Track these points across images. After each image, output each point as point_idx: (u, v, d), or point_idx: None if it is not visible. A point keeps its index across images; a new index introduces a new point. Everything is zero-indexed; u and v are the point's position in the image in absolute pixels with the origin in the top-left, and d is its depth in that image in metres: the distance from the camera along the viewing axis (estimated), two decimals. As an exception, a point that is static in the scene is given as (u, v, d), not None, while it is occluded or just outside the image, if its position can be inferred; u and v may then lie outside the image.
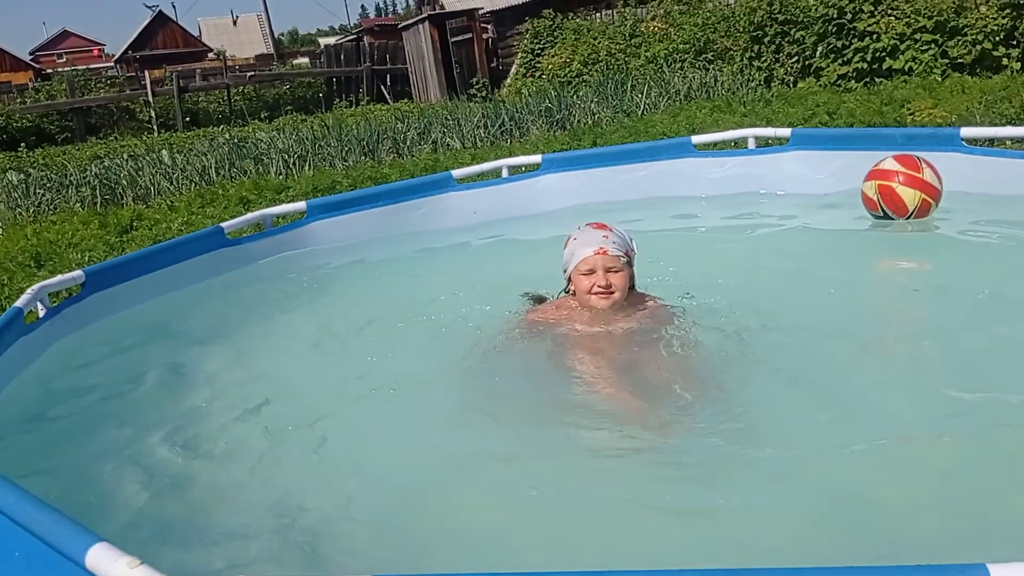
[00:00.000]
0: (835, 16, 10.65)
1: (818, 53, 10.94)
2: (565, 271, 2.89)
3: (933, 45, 9.69)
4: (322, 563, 1.84)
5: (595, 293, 2.75)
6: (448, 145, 10.35)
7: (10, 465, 2.30)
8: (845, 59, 10.54)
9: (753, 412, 2.41)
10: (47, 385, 2.82)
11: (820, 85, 10.59)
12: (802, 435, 2.28)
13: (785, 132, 4.45)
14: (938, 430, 2.25)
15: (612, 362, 2.70)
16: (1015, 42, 9.29)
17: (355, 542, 1.96)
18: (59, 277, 3.15)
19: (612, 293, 2.75)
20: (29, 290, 2.94)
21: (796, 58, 11.43)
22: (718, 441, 2.23)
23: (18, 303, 2.84)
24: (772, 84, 11.43)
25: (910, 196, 3.69)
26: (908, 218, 3.74)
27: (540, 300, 3.12)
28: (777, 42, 11.73)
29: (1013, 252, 3.50)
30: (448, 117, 11.45)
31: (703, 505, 1.98)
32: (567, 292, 2.94)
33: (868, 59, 10.16)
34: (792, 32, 11.39)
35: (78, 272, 3.20)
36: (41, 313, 2.99)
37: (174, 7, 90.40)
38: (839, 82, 10.47)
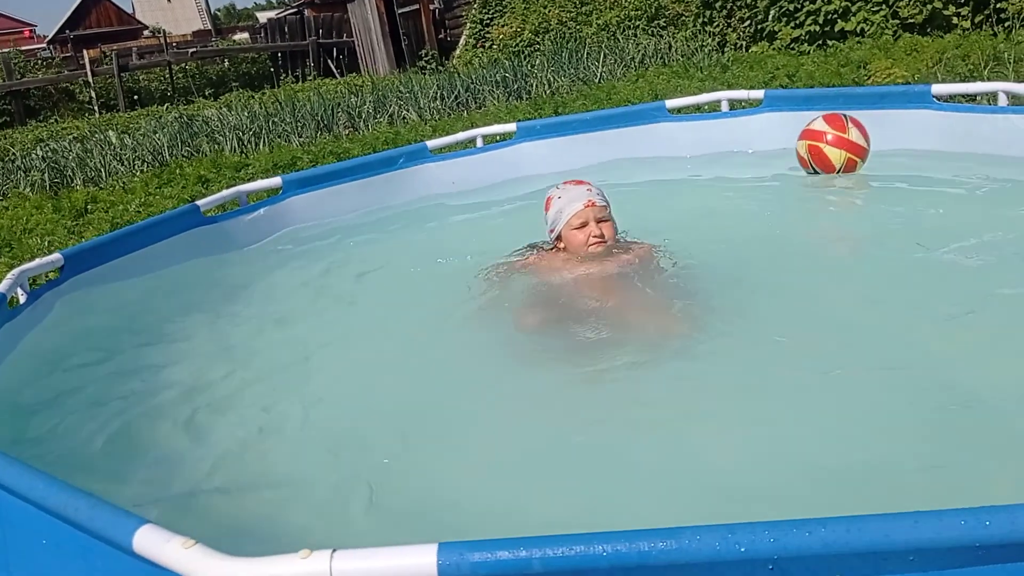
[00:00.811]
0: (786, -21, 10.72)
1: (771, 17, 11.00)
2: (552, 230, 3.02)
3: (884, 6, 9.78)
4: (355, 533, 1.82)
5: (592, 243, 2.92)
6: (405, 118, 10.23)
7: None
8: (797, 22, 10.60)
9: (743, 333, 2.58)
10: (35, 370, 2.73)
11: (774, 49, 10.65)
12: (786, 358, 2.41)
13: (758, 94, 4.47)
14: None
15: (613, 296, 2.88)
16: (964, 0, 9.44)
17: (380, 507, 1.94)
18: (37, 261, 3.04)
19: (605, 240, 2.93)
20: (9, 275, 2.84)
21: (748, 22, 11.48)
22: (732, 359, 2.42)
23: (0, 288, 2.74)
24: (726, 49, 11.48)
25: (836, 155, 3.86)
26: (837, 174, 3.92)
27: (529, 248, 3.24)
28: (729, 7, 11.77)
29: (986, 201, 3.58)
30: (402, 89, 11.31)
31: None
32: (552, 249, 3.08)
33: (820, 22, 10.23)
34: (744, -5, 11.44)
35: (56, 255, 3.10)
36: (22, 299, 2.89)
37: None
38: (792, 45, 10.54)
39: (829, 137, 3.87)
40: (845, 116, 3.90)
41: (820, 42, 10.24)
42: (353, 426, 2.35)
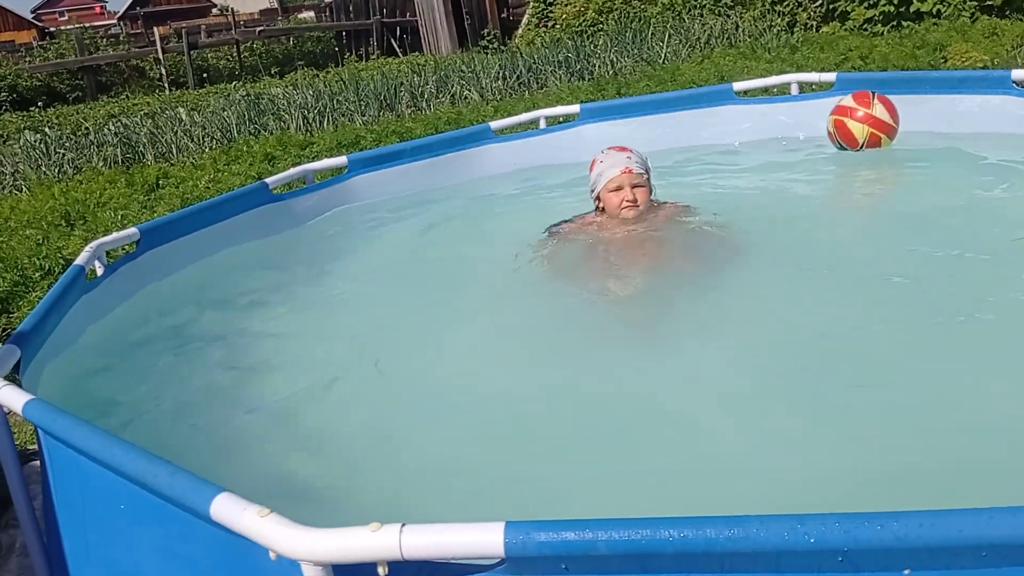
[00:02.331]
0: (861, -42, 10.42)
1: (843, -4, 10.74)
2: (593, 191, 3.29)
3: (962, -14, 9.49)
4: (425, 505, 1.86)
5: (624, 207, 3.16)
6: (466, 98, 10.24)
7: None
8: (871, 2, 10.34)
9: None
10: (113, 341, 2.83)
11: (846, 30, 10.40)
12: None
13: (830, 77, 4.37)
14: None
15: (645, 254, 3.18)
16: (1046, -18, 9.09)
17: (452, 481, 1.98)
18: (114, 235, 3.13)
19: (637, 205, 3.17)
20: (87, 247, 2.93)
21: (820, 2, 11.22)
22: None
23: (78, 260, 2.83)
24: (795, 29, 11.24)
25: (859, 130, 3.98)
26: (859, 149, 4.01)
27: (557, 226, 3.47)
28: (800, -14, 11.52)
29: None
30: (465, 69, 11.31)
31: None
32: (595, 211, 3.34)
33: (895, 2, 9.96)
34: (815, -25, 11.17)
35: (132, 229, 3.19)
36: (100, 271, 2.99)
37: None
38: (865, 26, 10.28)
39: (855, 113, 3.99)
40: (873, 93, 4.02)
41: (894, 23, 9.96)
42: (419, 401, 2.39)
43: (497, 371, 2.53)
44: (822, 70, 6.73)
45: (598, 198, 3.27)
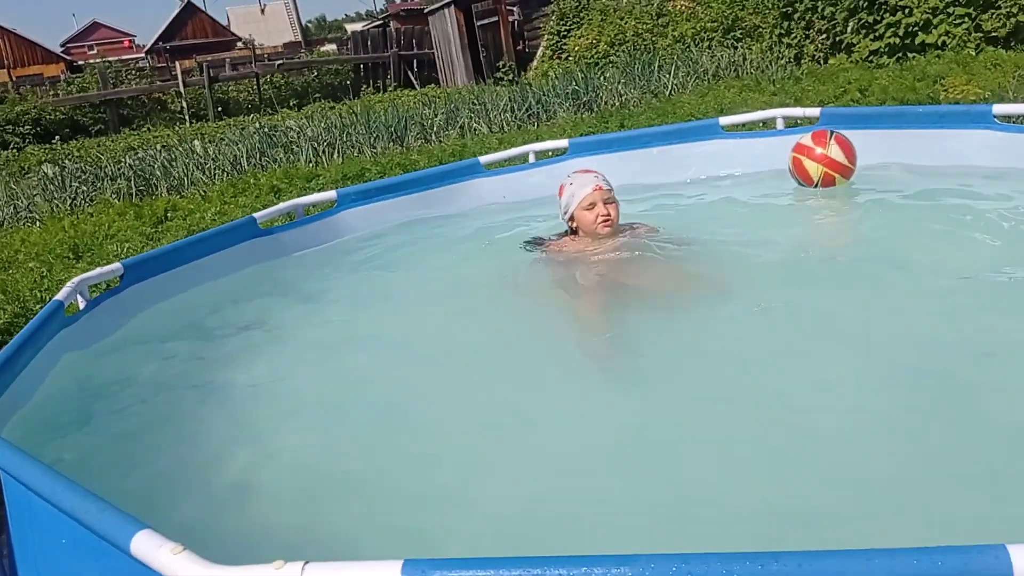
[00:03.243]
0: (866, -10, 10.47)
1: (849, 28, 10.77)
2: (566, 213, 3.42)
3: (967, 19, 9.49)
4: (373, 541, 1.90)
5: (600, 222, 3.30)
6: (475, 130, 10.36)
7: (51, 454, 2.38)
8: (877, 34, 10.37)
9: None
10: (87, 376, 2.89)
11: (852, 61, 10.43)
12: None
13: (814, 112, 4.41)
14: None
15: (605, 278, 3.27)
16: (1052, 13, 9.08)
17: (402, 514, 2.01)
18: (98, 270, 3.21)
19: (612, 219, 3.32)
20: (69, 283, 3.01)
21: (826, 34, 11.27)
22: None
23: (59, 296, 2.91)
24: (802, 61, 11.30)
25: (814, 169, 4.07)
26: (815, 187, 4.10)
27: (539, 241, 3.64)
28: (807, 18, 11.57)
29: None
30: (475, 102, 11.45)
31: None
32: (567, 233, 3.49)
33: (900, 34, 9.99)
34: (822, 8, 11.22)
35: (116, 265, 3.27)
36: (81, 305, 3.06)
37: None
38: (871, 58, 10.31)
39: (809, 152, 4.09)
40: (831, 133, 4.09)
41: (900, 55, 9.98)
42: (388, 432, 2.43)
43: (466, 397, 2.57)
44: (820, 102, 6.77)
45: (572, 218, 3.40)
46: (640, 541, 1.76)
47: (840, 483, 1.94)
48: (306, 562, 1.28)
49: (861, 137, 4.14)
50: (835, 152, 4.04)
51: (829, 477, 1.96)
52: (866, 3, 10.47)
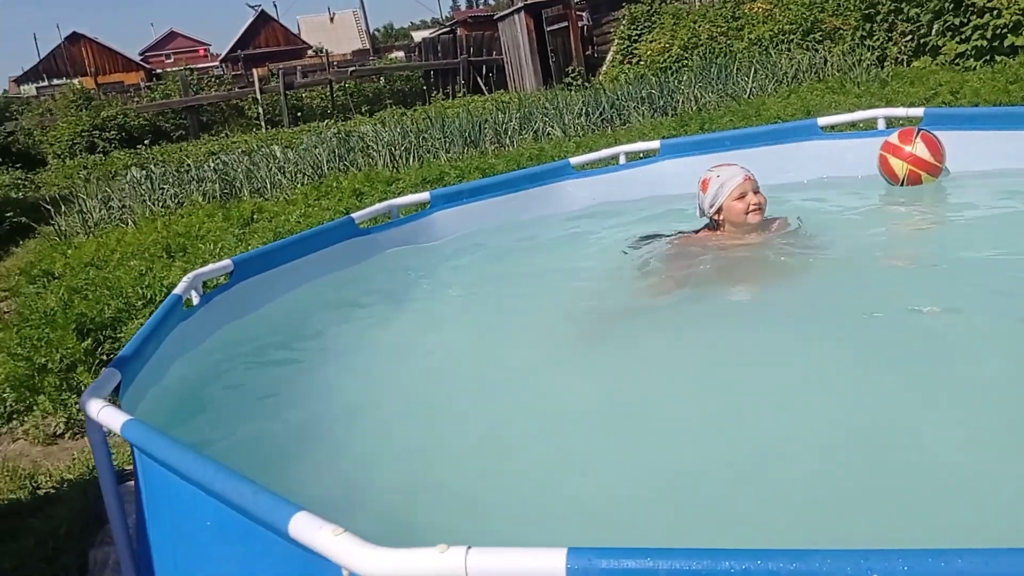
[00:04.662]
0: (952, -8, 10.19)
1: (934, 31, 10.49)
2: (712, 206, 3.41)
3: (1061, 19, 9.17)
4: (523, 527, 1.91)
5: (751, 211, 3.33)
6: (549, 134, 10.38)
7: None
8: (963, 36, 10.07)
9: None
10: (206, 368, 2.97)
11: (937, 64, 10.15)
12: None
13: (918, 112, 4.29)
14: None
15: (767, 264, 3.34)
16: None
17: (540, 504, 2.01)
18: (211, 266, 3.30)
19: (762, 209, 3.36)
20: (185, 278, 3.10)
21: (910, 36, 10.99)
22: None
23: (176, 290, 3.00)
24: (885, 64, 11.03)
25: (899, 167, 4.07)
26: (901, 185, 4.09)
27: (655, 236, 3.65)
28: (890, 20, 11.31)
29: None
30: (548, 106, 11.47)
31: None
32: (708, 228, 3.49)
33: (988, 36, 9.67)
34: (906, 9, 10.94)
35: (227, 261, 3.35)
36: (195, 300, 3.15)
37: (275, 6, 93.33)
38: (957, 61, 10.01)
39: (898, 150, 4.08)
40: (917, 131, 4.07)
41: (987, 57, 9.67)
42: (507, 424, 2.45)
43: (581, 396, 2.57)
44: (911, 105, 6.60)
45: (719, 210, 3.40)
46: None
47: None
48: (469, 547, 1.28)
49: (966, 139, 4.02)
50: (921, 150, 4.03)
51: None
52: (952, 5, 10.19)
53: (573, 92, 14.07)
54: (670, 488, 2.01)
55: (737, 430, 2.21)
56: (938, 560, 1.14)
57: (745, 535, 1.78)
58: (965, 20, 10.04)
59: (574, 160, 4.72)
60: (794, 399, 2.33)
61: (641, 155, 4.87)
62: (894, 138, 4.13)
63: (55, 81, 43.74)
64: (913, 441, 2.08)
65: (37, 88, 40.05)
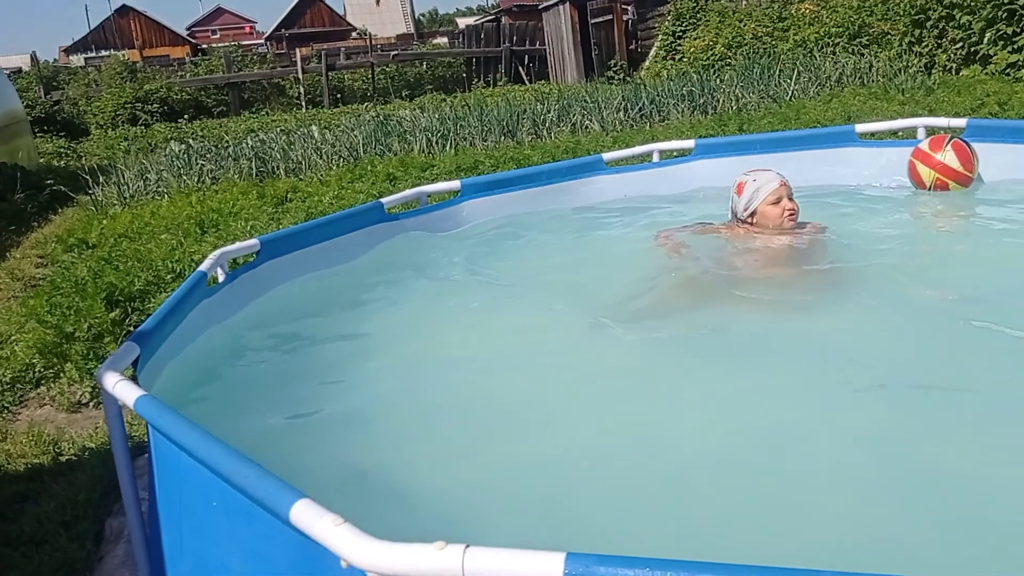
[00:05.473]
0: (1006, 1, 9.95)
1: (986, 39, 10.27)
2: (747, 209, 3.44)
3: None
4: (525, 526, 1.89)
5: (787, 216, 3.38)
6: (586, 128, 10.32)
7: (197, 421, 2.47)
8: (1016, 46, 9.85)
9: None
10: (228, 346, 2.99)
11: (987, 73, 9.94)
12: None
13: (960, 122, 4.20)
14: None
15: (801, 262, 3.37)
16: None
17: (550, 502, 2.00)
18: (237, 244, 3.31)
19: (797, 215, 3.40)
20: (211, 255, 3.11)
21: (961, 44, 10.77)
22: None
23: (202, 267, 3.01)
24: (933, 71, 10.82)
25: (926, 174, 4.08)
26: (928, 191, 4.09)
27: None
28: (941, 26, 11.08)
29: None
30: (587, 99, 11.40)
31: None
32: (736, 222, 3.51)
33: (1041, 46, 9.47)
34: (958, 16, 10.72)
35: (253, 240, 3.36)
36: (220, 278, 3.16)
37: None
38: (1008, 71, 9.80)
39: (927, 158, 4.09)
40: (948, 139, 4.07)
41: (1040, 68, 9.46)
42: (527, 416, 2.44)
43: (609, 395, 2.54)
44: (955, 114, 6.46)
45: (753, 214, 3.44)
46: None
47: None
48: (467, 546, 1.27)
49: (1009, 152, 3.94)
50: (950, 159, 4.02)
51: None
52: (1006, 13, 9.96)
53: (614, 86, 13.97)
54: (678, 496, 1.99)
55: (748, 440, 2.18)
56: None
57: (752, 548, 1.75)
58: (1018, 29, 9.82)
59: (607, 156, 4.68)
60: (812, 412, 2.29)
61: (675, 153, 4.82)
62: (924, 145, 4.13)
63: (103, 52, 44.35)
64: (932, 458, 2.04)
65: (85, 59, 40.67)
